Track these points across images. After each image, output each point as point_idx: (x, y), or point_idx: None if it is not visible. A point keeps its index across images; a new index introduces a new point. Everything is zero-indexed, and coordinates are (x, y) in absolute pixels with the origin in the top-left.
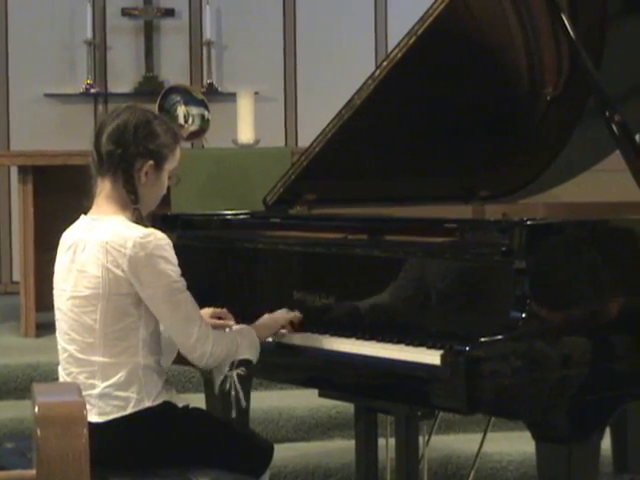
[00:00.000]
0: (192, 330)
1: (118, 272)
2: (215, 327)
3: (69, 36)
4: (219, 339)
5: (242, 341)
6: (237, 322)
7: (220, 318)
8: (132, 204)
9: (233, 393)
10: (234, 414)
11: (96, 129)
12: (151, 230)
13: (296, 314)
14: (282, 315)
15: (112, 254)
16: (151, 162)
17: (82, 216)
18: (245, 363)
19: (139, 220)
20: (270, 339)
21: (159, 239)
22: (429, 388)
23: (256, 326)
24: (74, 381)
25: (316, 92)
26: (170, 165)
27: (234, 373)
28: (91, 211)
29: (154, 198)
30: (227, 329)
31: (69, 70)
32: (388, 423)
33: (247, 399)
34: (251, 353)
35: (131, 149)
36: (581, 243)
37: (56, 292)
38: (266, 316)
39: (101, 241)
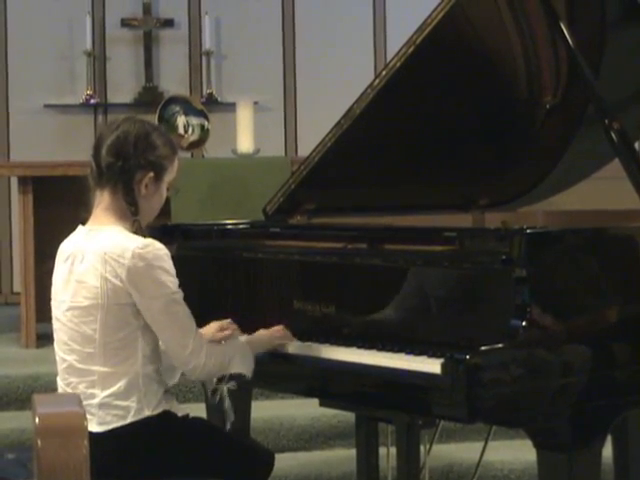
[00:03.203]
0: (187, 342)
1: (117, 282)
2: (219, 338)
3: (68, 47)
4: (212, 352)
5: (235, 355)
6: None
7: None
8: (132, 216)
9: (225, 406)
10: (228, 426)
11: (95, 141)
12: (150, 240)
13: (291, 337)
14: (278, 334)
15: (111, 264)
16: (151, 174)
17: (80, 226)
18: (238, 377)
19: (138, 231)
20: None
21: (158, 249)
22: (430, 397)
23: (250, 340)
24: (74, 391)
25: (315, 102)
26: (169, 176)
27: (224, 387)
28: (89, 222)
29: (153, 209)
30: (223, 341)
31: (69, 81)
32: (389, 432)
33: (247, 409)
34: (244, 368)
35: (131, 161)
36: (581, 251)
37: (54, 303)
38: (262, 332)
39: (100, 251)
